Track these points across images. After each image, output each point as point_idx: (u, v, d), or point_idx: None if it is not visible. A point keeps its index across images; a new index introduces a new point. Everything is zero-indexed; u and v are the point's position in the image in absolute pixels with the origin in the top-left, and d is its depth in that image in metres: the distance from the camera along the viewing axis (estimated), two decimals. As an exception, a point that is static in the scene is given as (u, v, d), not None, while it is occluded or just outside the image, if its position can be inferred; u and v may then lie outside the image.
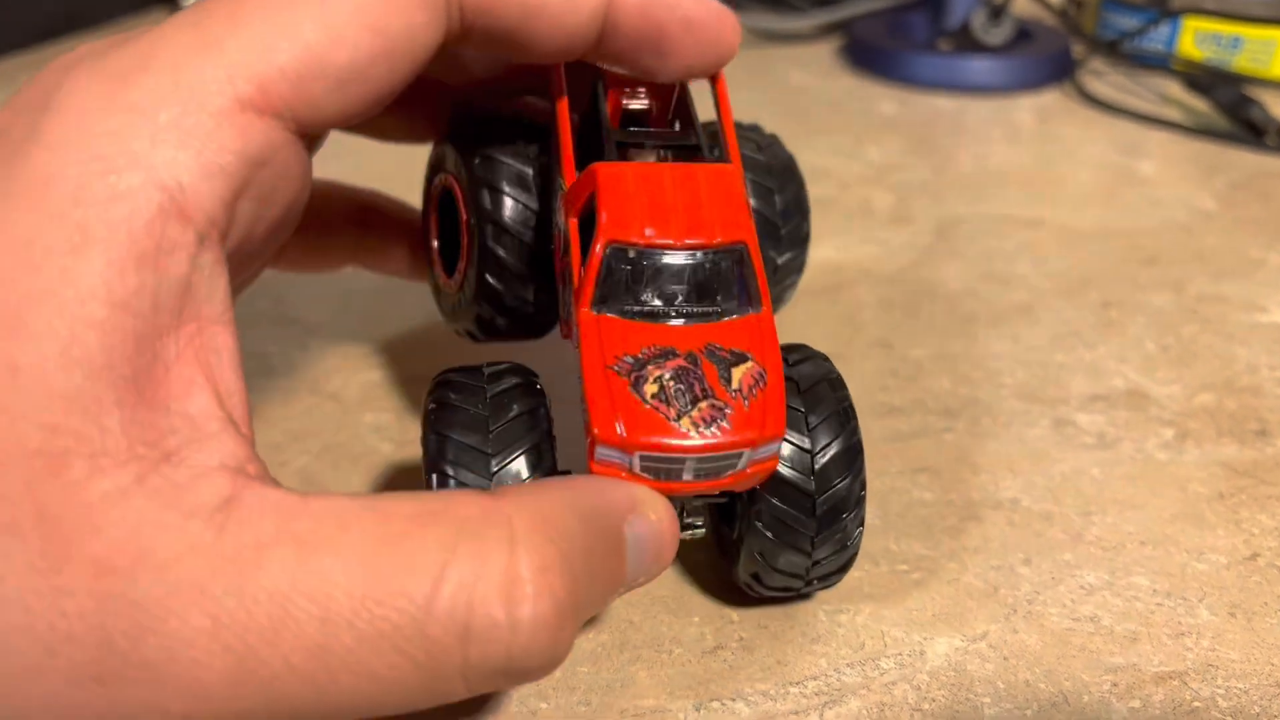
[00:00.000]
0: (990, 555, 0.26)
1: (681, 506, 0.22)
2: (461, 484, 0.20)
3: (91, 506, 0.15)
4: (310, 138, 0.19)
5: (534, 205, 0.24)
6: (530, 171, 0.25)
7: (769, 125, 0.32)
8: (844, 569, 0.23)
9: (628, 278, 0.20)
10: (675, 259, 0.20)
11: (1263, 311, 0.38)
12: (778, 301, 0.27)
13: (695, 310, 0.20)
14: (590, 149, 0.23)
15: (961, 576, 0.26)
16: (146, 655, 0.15)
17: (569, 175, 0.22)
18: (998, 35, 0.63)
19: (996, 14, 0.62)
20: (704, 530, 0.22)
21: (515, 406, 0.21)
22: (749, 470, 0.20)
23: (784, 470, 0.21)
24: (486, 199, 0.24)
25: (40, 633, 0.15)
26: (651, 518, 0.19)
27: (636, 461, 0.19)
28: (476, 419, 0.21)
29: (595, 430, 0.19)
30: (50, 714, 0.15)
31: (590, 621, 0.24)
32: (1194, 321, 0.37)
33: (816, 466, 0.21)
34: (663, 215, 0.20)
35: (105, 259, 0.16)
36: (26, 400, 0.15)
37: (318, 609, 0.16)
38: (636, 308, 0.20)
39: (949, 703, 0.22)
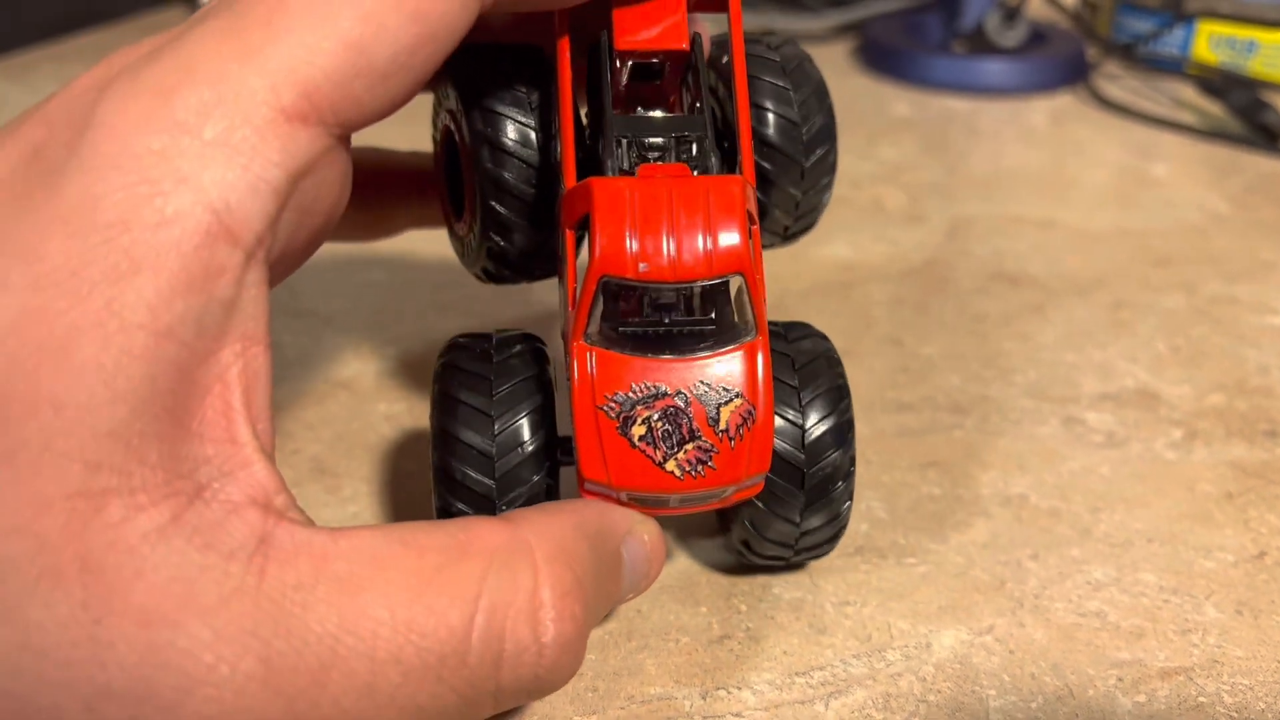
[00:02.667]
0: (998, 550, 0.27)
1: None
2: (466, 444, 0.21)
3: (133, 550, 0.15)
4: (350, 138, 0.19)
5: (535, 132, 0.23)
6: (531, 96, 0.23)
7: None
8: (833, 540, 0.24)
9: (622, 309, 0.20)
10: (671, 290, 0.20)
11: (1274, 313, 0.38)
12: (813, 211, 0.26)
13: (689, 341, 0.20)
14: (596, 114, 0.22)
15: (969, 570, 0.26)
16: (197, 708, 0.15)
17: (569, 178, 0.21)
18: (1012, 37, 0.63)
19: (1011, 16, 0.62)
20: None
21: (520, 371, 0.22)
22: (734, 497, 0.21)
23: (777, 443, 0.22)
24: (482, 126, 0.23)
25: (79, 688, 0.15)
26: (645, 538, 0.21)
27: (624, 495, 0.20)
28: (482, 381, 0.22)
29: (583, 471, 0.20)
30: None
31: (599, 610, 0.25)
32: (1205, 322, 0.37)
33: (807, 441, 0.22)
34: (659, 245, 0.19)
35: (154, 287, 0.15)
36: (70, 438, 0.15)
37: (365, 647, 0.16)
38: (630, 339, 0.20)
39: (954, 694, 0.22)
